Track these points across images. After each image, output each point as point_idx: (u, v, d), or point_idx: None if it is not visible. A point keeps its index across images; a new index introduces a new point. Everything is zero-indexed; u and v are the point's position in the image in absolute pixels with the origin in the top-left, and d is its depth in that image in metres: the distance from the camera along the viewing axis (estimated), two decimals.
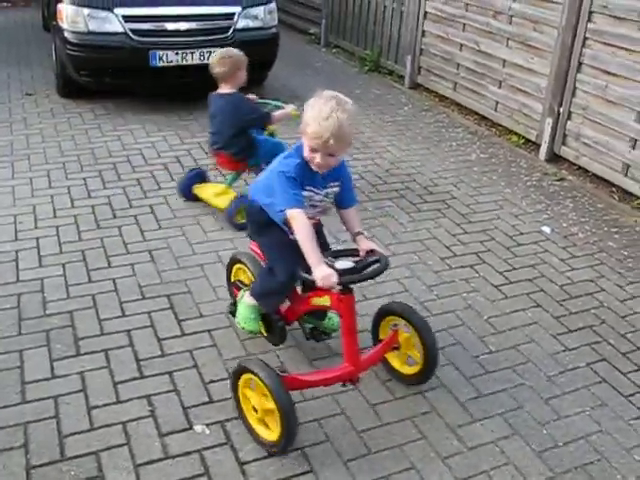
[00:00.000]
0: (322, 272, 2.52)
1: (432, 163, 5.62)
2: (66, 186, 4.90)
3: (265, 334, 3.20)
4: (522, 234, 4.55)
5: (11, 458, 2.63)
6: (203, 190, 4.66)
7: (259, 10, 6.62)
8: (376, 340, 3.17)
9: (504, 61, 6.25)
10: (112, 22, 6.09)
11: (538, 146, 5.93)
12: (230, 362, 3.16)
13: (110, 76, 6.16)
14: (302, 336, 3.24)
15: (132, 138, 5.79)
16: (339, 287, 2.60)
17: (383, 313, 3.12)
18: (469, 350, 3.37)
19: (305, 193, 2.71)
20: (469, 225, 4.63)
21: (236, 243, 4.18)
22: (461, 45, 6.83)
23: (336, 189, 2.82)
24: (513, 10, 6.02)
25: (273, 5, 6.81)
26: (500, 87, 6.36)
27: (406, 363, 3.11)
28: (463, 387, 3.11)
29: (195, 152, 5.60)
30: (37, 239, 4.19)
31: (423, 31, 7.42)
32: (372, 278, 2.71)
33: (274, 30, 6.78)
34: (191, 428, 2.81)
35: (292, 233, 2.72)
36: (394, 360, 3.14)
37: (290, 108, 4.53)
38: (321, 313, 3.16)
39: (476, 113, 6.80)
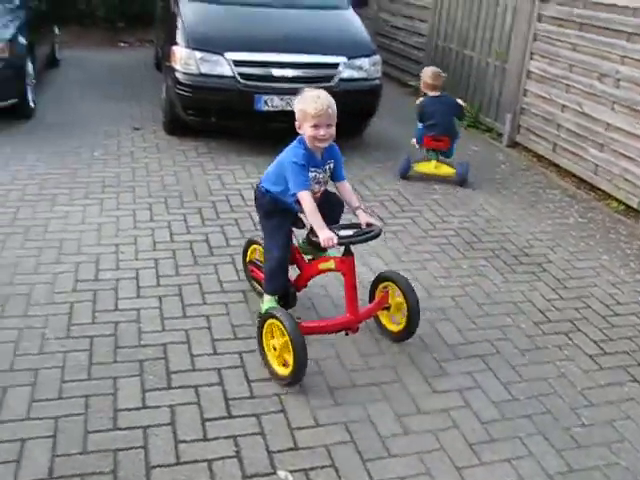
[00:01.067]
0: (325, 234, 3.24)
1: (528, 224, 5.54)
2: (167, 220, 5.07)
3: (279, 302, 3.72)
4: (620, 304, 4.42)
5: None
6: (424, 166, 6.37)
7: (364, 61, 6.74)
8: (372, 300, 3.84)
9: (608, 124, 6.14)
10: (222, 66, 6.32)
11: (639, 213, 5.79)
12: (318, 410, 3.17)
13: (216, 117, 6.36)
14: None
15: (232, 178, 5.94)
16: (338, 246, 3.29)
17: (379, 279, 3.81)
18: (560, 420, 3.26)
19: (311, 174, 3.45)
20: (564, 291, 4.52)
21: (329, 289, 4.22)
22: (563, 106, 6.76)
23: (331, 165, 3.57)
24: (621, 73, 5.93)
25: (378, 57, 6.93)
26: (602, 151, 6.24)
27: (393, 322, 3.78)
28: (552, 459, 3.01)
29: None
30: (137, 270, 4.34)
31: (525, 90, 7.40)
32: (365, 242, 3.42)
33: (377, 82, 6.88)
34: (275, 473, 2.81)
35: (301, 211, 3.46)
36: (384, 319, 3.82)
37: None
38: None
39: (575, 176, 6.69)
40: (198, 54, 6.37)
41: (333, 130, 3.43)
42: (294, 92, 6.25)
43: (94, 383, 3.28)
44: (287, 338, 3.22)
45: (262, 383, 3.34)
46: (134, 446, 2.89)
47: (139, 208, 5.27)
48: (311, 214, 3.32)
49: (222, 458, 2.86)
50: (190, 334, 3.69)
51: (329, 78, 6.52)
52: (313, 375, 3.41)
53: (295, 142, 3.50)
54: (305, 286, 3.85)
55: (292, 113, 6.27)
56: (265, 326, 3.41)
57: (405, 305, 3.62)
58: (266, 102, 6.32)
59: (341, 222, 3.75)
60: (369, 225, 3.47)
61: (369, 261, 4.64)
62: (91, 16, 12.75)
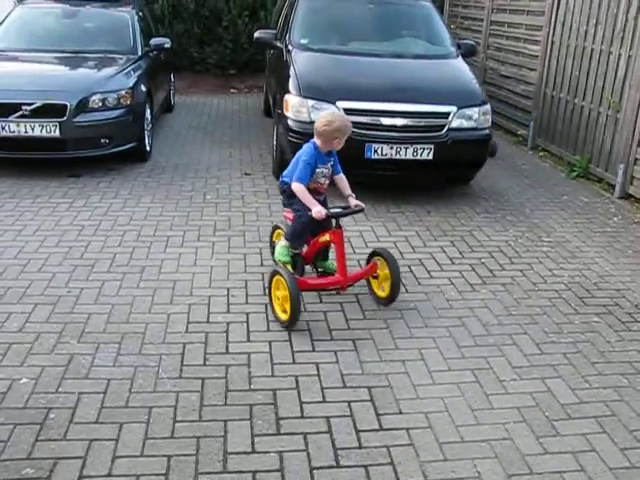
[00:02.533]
0: (316, 209, 4.23)
1: None
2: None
3: (292, 269, 4.57)
4: None
5: None
6: None
7: (474, 111, 6.70)
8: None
9: None
10: None
11: None
12: (426, 464, 3.11)
13: None
14: None
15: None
16: (327, 217, 4.27)
17: (371, 254, 4.71)
18: None
19: (319, 170, 4.45)
20: None
21: (438, 342, 4.17)
22: None
23: (332, 162, 4.54)
24: None
25: (488, 107, 6.88)
26: None
27: (380, 289, 4.64)
28: None
29: (401, 245, 5.69)
30: (247, 314, 4.41)
31: (639, 140, 7.18)
32: (346, 215, 4.49)
33: (487, 131, 6.83)
34: None
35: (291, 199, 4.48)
36: (374, 285, 4.70)
37: None
38: (325, 255, 4.82)
39: None
40: (310, 102, 6.51)
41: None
42: (403, 141, 6.42)
43: (204, 425, 3.33)
44: (287, 292, 4.10)
45: (371, 434, 3.30)
46: None
47: (249, 252, 5.38)
48: (304, 197, 4.33)
49: None
50: (300, 380, 3.70)
51: (439, 127, 6.53)
52: (423, 431, 3.36)
53: (310, 144, 4.45)
54: (310, 262, 4.79)
55: (401, 161, 6.42)
56: (273, 280, 4.36)
57: (389, 275, 4.48)
58: (376, 150, 6.38)
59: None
60: (357, 206, 4.44)
61: (478, 313, 4.57)
62: (204, 64, 13.27)
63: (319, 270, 4.84)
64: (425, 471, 3.08)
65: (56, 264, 5.06)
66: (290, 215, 4.69)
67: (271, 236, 5.22)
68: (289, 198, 4.59)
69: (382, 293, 4.61)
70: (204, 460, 3.08)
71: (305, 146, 4.50)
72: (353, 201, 4.48)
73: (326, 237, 4.49)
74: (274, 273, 4.34)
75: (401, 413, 3.48)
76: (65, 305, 4.45)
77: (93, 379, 3.65)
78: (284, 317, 4.24)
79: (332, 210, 4.36)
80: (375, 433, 3.32)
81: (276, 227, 5.14)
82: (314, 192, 4.46)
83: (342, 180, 4.64)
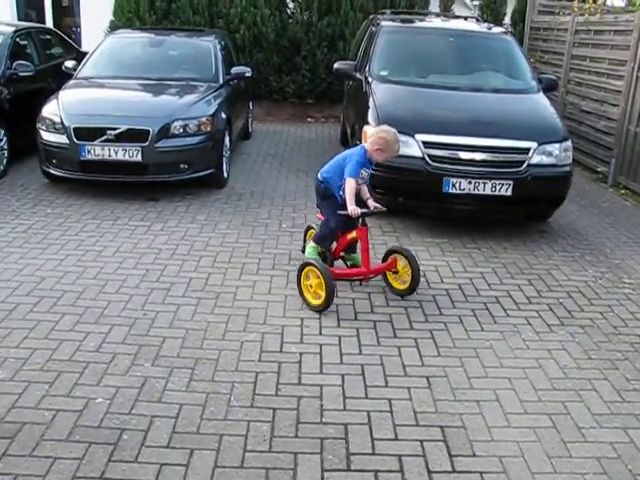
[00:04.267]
0: (352, 207, 4.78)
1: None
2: (351, 298, 5.12)
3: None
4: None
5: None
6: None
7: (554, 147, 6.57)
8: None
9: None
10: (412, 147, 6.39)
11: None
12: None
13: (404, 196, 6.42)
14: None
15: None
16: (361, 216, 4.86)
17: (389, 252, 5.28)
18: None
19: (362, 171, 4.97)
20: None
21: (514, 383, 4.05)
22: None
23: (370, 170, 5.10)
24: None
25: (569, 143, 6.74)
26: None
27: (401, 283, 5.17)
28: None
29: (477, 282, 5.59)
30: (320, 345, 4.39)
31: None
32: (372, 215, 5.05)
33: (568, 168, 6.68)
34: None
35: (342, 197, 4.97)
36: (394, 282, 5.23)
37: None
38: (353, 248, 5.31)
39: None
40: None
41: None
42: (482, 176, 6.33)
43: (274, 456, 3.31)
44: (321, 279, 4.71)
45: (443, 475, 3.22)
46: None
47: None
48: (349, 194, 4.82)
49: None
50: (372, 416, 3.64)
51: (518, 163, 6.42)
52: (497, 476, 3.26)
53: (360, 149, 5.04)
54: (338, 257, 5.34)
55: (479, 197, 6.33)
56: (303, 272, 4.91)
57: (409, 268, 5.03)
58: (454, 185, 6.30)
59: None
60: (376, 208, 5.01)
61: (556, 356, 4.43)
62: (282, 92, 13.44)
63: (348, 263, 5.42)
64: None
65: (133, 286, 5.16)
66: (319, 215, 5.35)
67: (305, 235, 5.76)
68: (323, 199, 5.22)
69: (402, 286, 5.15)
70: None
71: (355, 148, 5.16)
72: (372, 203, 5.04)
73: (353, 234, 5.05)
74: (304, 265, 4.91)
75: (475, 456, 3.38)
76: (141, 327, 4.52)
77: (166, 403, 3.68)
78: (317, 302, 4.82)
79: (363, 210, 4.85)
80: (447, 475, 3.23)
81: (309, 227, 5.70)
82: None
83: (364, 188, 5.16)
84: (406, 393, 3.87)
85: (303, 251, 5.54)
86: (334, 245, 5.28)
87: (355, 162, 4.90)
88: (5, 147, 8.21)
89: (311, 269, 4.84)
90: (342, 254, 5.37)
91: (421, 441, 3.47)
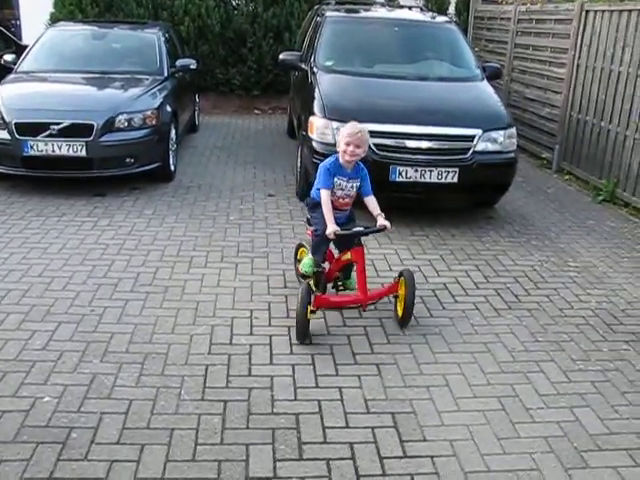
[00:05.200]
0: (330, 227, 4.33)
1: None
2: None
3: (314, 285, 4.67)
4: None
5: None
6: None
7: (499, 134, 6.66)
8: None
9: None
10: None
11: None
12: None
13: None
14: None
15: (364, 248, 5.94)
16: (336, 237, 4.36)
17: (399, 274, 4.67)
18: None
19: (335, 179, 4.48)
20: None
21: (463, 368, 4.11)
22: None
23: (357, 183, 4.57)
24: None
25: (513, 130, 6.84)
26: None
27: (400, 309, 4.62)
28: None
29: (425, 269, 5.64)
30: (270, 336, 4.38)
31: None
32: (361, 235, 4.46)
33: (512, 155, 6.78)
34: None
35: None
36: (397, 308, 4.68)
37: None
38: (347, 273, 4.85)
39: None
40: (335, 124, 6.48)
41: (360, 151, 4.43)
42: (428, 164, 6.39)
43: (226, 448, 3.30)
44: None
45: (395, 461, 3.25)
46: None
47: (273, 274, 5.36)
48: (325, 208, 4.41)
49: None
50: (323, 405, 3.66)
51: (464, 151, 6.49)
52: (448, 459, 3.30)
53: (332, 156, 4.57)
54: (333, 279, 4.84)
55: (426, 184, 6.38)
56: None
57: (404, 296, 4.54)
58: (400, 173, 6.35)
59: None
60: (380, 225, 4.45)
61: (504, 339, 4.50)
62: (228, 84, 13.35)
63: (340, 288, 4.89)
64: None
65: (80, 282, 5.08)
66: (309, 231, 4.86)
67: (295, 254, 5.32)
68: (310, 211, 4.77)
69: (399, 313, 4.64)
70: None
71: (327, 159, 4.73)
72: (381, 220, 4.46)
73: (348, 255, 4.54)
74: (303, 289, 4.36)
75: (425, 440, 3.42)
76: (88, 324, 4.45)
77: (115, 399, 3.63)
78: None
79: (343, 229, 4.39)
80: (399, 460, 3.27)
81: (300, 245, 5.26)
82: (333, 208, 4.51)
83: (371, 201, 4.61)
84: (357, 381, 3.89)
85: (297, 273, 5.14)
86: (327, 266, 4.85)
87: (323, 170, 4.48)
88: None
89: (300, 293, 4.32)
90: (337, 275, 4.85)
91: (372, 428, 3.49)
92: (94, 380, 3.81)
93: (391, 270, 5.52)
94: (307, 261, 4.74)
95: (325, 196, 4.44)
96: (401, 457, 3.29)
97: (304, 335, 4.30)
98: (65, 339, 4.24)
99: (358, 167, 4.57)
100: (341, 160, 4.46)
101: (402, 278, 4.58)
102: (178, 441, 3.33)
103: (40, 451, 3.21)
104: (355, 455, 3.28)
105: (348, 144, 4.37)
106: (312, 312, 4.27)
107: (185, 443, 3.32)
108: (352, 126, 4.43)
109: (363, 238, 4.54)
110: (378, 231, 4.49)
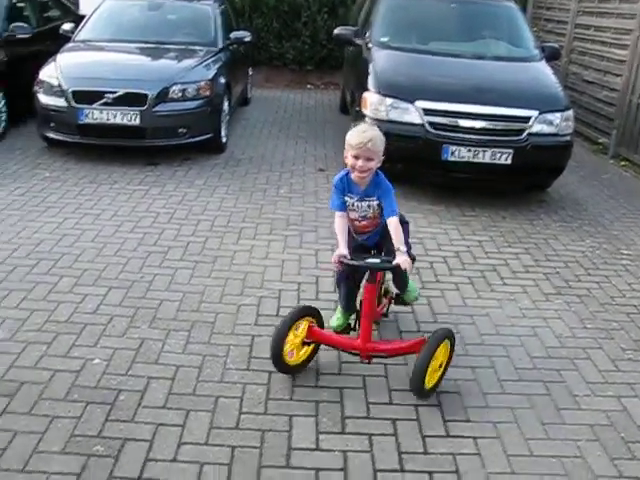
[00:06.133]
0: (338, 250, 3.51)
1: None
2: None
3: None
4: None
5: None
6: None
7: (556, 116, 6.53)
8: None
9: None
10: (411, 113, 6.37)
11: None
12: (492, 476, 3.03)
13: (402, 164, 6.39)
14: None
15: (414, 226, 5.79)
16: (341, 264, 3.50)
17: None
18: None
19: (346, 198, 3.64)
20: None
21: (509, 350, 4.07)
22: None
23: (374, 202, 3.60)
24: None
25: (570, 113, 6.69)
26: None
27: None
28: None
29: (475, 250, 5.58)
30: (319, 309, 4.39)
31: None
32: (366, 269, 3.54)
33: (568, 138, 6.64)
34: None
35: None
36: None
37: None
38: (400, 283, 3.98)
39: None
40: (388, 100, 6.46)
41: (372, 164, 3.49)
42: (482, 144, 6.30)
43: (270, 418, 3.34)
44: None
45: (437, 440, 3.25)
46: None
47: (321, 249, 5.35)
48: (336, 230, 3.66)
49: None
50: (367, 380, 3.67)
51: (518, 132, 6.39)
52: (491, 441, 3.29)
53: (343, 169, 3.68)
54: (385, 308, 4.18)
55: (478, 165, 6.31)
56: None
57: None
58: (453, 152, 6.28)
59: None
60: (391, 262, 3.46)
61: (552, 324, 4.44)
62: (281, 58, 13.34)
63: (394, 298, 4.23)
64: None
65: (131, 249, 5.16)
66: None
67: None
68: None
69: (427, 384, 3.52)
70: (268, 454, 3.09)
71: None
72: (399, 257, 3.40)
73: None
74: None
75: (469, 421, 3.41)
76: (138, 290, 4.52)
77: (162, 364, 3.70)
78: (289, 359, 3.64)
79: (353, 257, 3.52)
80: (441, 439, 3.26)
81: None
82: (354, 232, 3.79)
83: (392, 226, 3.52)
84: (402, 359, 3.86)
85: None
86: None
87: (333, 190, 3.68)
88: (3, 110, 8.16)
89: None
90: (391, 297, 4.21)
91: (416, 406, 3.49)
92: (142, 345, 3.88)
93: (440, 249, 5.48)
94: (337, 315, 3.99)
95: (337, 219, 3.66)
96: (443, 436, 3.28)
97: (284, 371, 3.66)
98: (115, 304, 4.32)
99: (377, 182, 3.58)
100: (353, 175, 3.54)
101: (443, 341, 3.56)
102: (222, 409, 3.38)
103: (89, 410, 3.30)
104: (397, 431, 3.29)
105: (356, 157, 3.45)
106: (306, 344, 3.69)
107: (229, 411, 3.36)
108: (358, 134, 3.47)
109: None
110: (391, 269, 3.58)
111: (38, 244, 5.18)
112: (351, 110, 7.95)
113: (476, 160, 6.31)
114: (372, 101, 6.61)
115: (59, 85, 7.22)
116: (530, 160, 6.42)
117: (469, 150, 6.28)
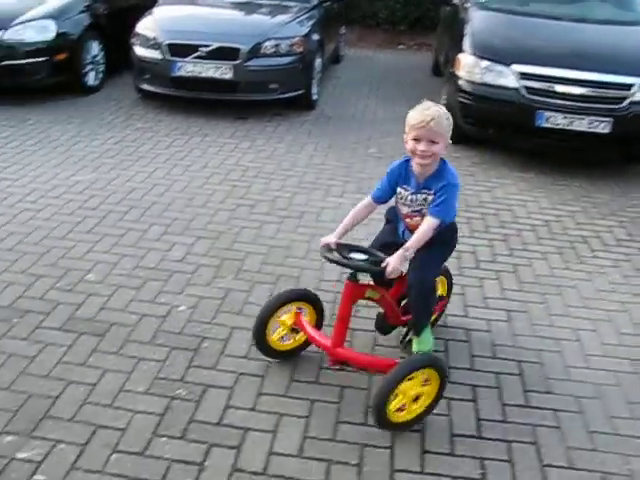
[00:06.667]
0: (325, 238, 3.14)
1: None
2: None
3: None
4: None
5: None
6: None
7: None
8: None
9: None
10: (507, 77, 6.18)
11: None
12: (572, 451, 2.97)
13: (494, 128, 6.23)
14: None
15: (503, 192, 5.78)
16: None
17: None
18: None
19: (398, 189, 3.16)
20: None
21: (597, 325, 3.95)
22: None
23: (430, 197, 3.06)
24: None
25: None
26: None
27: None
28: None
29: (565, 220, 5.41)
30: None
31: None
32: (345, 267, 3.01)
33: None
34: None
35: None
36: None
37: None
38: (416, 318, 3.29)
39: None
40: (484, 63, 6.29)
41: (436, 148, 2.94)
42: (579, 111, 6.07)
43: (350, 375, 3.33)
44: None
45: (516, 409, 3.19)
46: (381, 445, 2.92)
47: None
48: (347, 217, 3.28)
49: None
50: (449, 345, 3.63)
51: (620, 100, 6.10)
52: (572, 415, 3.22)
53: (404, 156, 3.16)
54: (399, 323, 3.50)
55: (574, 133, 6.08)
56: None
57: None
58: (547, 119, 6.07)
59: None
60: (383, 268, 2.88)
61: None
62: (374, 17, 13.16)
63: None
64: (570, 458, 2.94)
65: (219, 201, 5.24)
66: None
67: None
68: None
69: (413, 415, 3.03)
70: (345, 410, 3.11)
71: None
72: (393, 262, 2.87)
73: (371, 292, 3.26)
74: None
75: (550, 393, 3.34)
76: (225, 241, 4.60)
77: (246, 315, 3.75)
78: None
79: (335, 251, 3.06)
80: (520, 409, 3.21)
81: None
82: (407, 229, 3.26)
83: (422, 226, 3.02)
84: (485, 325, 3.83)
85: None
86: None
87: (385, 177, 3.21)
88: (102, 62, 8.36)
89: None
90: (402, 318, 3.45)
91: (496, 373, 3.44)
92: (227, 295, 3.95)
93: (530, 217, 5.35)
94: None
95: (360, 205, 3.30)
96: (523, 406, 3.23)
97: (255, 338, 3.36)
98: (202, 254, 4.41)
99: (441, 174, 3.05)
100: (413, 162, 3.06)
101: (419, 369, 2.93)
102: (304, 362, 3.41)
103: (174, 355, 3.39)
104: (477, 398, 3.25)
105: (417, 139, 2.93)
106: (294, 331, 3.40)
107: (310, 365, 3.40)
108: (421, 112, 2.92)
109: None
110: (374, 272, 3.15)
111: (130, 192, 5.32)
112: (444, 72, 7.79)
113: (572, 128, 6.08)
114: (466, 63, 6.45)
115: (155, 38, 7.33)
116: (631, 130, 6.14)
117: (565, 117, 6.05)
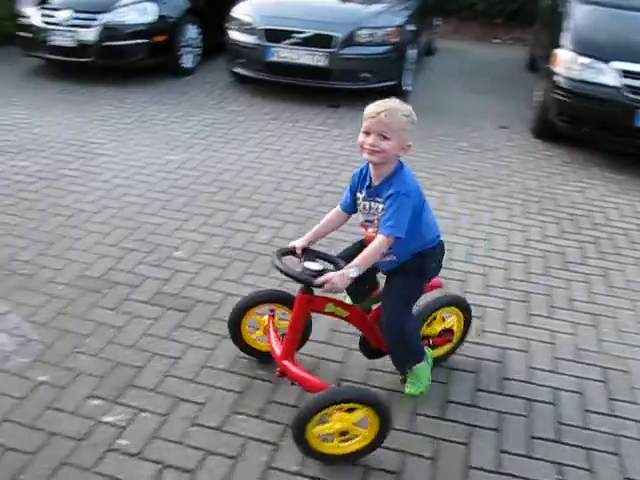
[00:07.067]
0: (292, 243, 2.96)
1: None
2: (523, 224, 4.97)
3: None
4: None
5: None
6: None
7: None
8: None
9: None
10: (606, 74, 5.98)
11: None
12: None
13: (590, 126, 6.06)
14: None
15: (595, 194, 5.60)
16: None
17: None
18: None
19: (357, 194, 2.87)
20: None
21: None
22: None
23: (379, 206, 2.73)
24: None
25: None
26: None
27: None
28: None
29: None
30: (487, 267, 4.33)
31: None
32: (292, 279, 2.72)
33: None
34: None
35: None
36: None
37: None
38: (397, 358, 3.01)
39: None
40: (583, 59, 6.11)
41: (386, 144, 2.64)
42: None
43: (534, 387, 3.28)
44: None
45: (599, 417, 3.11)
46: (457, 441, 2.90)
47: (497, 206, 5.24)
48: (319, 224, 3.06)
49: None
50: (532, 345, 3.57)
51: None
52: None
53: None
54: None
55: None
56: None
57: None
58: None
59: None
60: (321, 282, 2.60)
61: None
62: (471, 10, 12.94)
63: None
64: None
65: (307, 187, 5.29)
66: None
67: None
68: None
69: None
70: (420, 401, 3.10)
71: None
72: (333, 278, 2.58)
73: (339, 310, 2.96)
74: None
75: (636, 403, 3.24)
76: (311, 226, 4.58)
77: None
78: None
79: (308, 264, 2.76)
80: (604, 417, 3.13)
81: None
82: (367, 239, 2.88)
83: (371, 244, 2.69)
84: (570, 328, 3.75)
85: None
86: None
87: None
88: (200, 45, 8.54)
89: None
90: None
91: (579, 378, 3.36)
92: None
93: (621, 221, 5.16)
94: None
95: (332, 213, 3.05)
96: (606, 414, 3.14)
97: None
98: (289, 238, 4.41)
99: (391, 181, 2.73)
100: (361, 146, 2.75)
101: (347, 402, 2.61)
102: (484, 370, 3.37)
103: None
104: (560, 402, 3.19)
105: (367, 132, 2.70)
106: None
107: (492, 375, 3.34)
108: (376, 104, 2.71)
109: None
110: (308, 284, 2.73)
111: (220, 173, 5.43)
112: (541, 67, 7.60)
113: None
114: (565, 59, 6.27)
115: (251, 23, 7.43)
116: None
117: None
